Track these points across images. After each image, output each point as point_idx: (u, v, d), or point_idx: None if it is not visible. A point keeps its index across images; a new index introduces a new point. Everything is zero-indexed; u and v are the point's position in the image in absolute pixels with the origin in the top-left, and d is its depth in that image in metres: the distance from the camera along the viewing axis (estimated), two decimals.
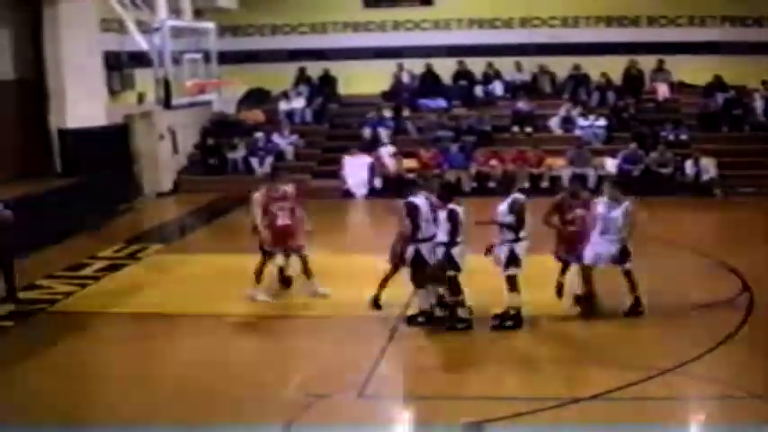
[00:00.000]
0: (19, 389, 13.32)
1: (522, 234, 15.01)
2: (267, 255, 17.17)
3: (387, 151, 29.77)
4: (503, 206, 15.04)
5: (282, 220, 16.99)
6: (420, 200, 15.24)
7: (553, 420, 11.59)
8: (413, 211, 15.07)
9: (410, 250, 15.11)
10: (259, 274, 17.07)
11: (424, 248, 15.08)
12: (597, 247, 15.36)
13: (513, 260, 14.99)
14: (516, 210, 14.96)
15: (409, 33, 34.08)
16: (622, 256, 15.41)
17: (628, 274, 15.44)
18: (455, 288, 15.05)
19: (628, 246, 15.42)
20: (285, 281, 17.89)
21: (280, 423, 11.69)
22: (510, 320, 15.03)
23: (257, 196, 17.02)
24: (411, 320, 15.43)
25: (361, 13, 34.24)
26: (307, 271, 17.31)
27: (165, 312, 16.86)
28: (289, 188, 17.43)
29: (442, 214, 14.88)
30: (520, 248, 15.00)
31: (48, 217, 22.52)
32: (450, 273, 14.95)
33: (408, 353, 14.70)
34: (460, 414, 11.81)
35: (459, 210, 14.98)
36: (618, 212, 15.34)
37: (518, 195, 15.20)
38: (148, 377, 13.69)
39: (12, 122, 25.33)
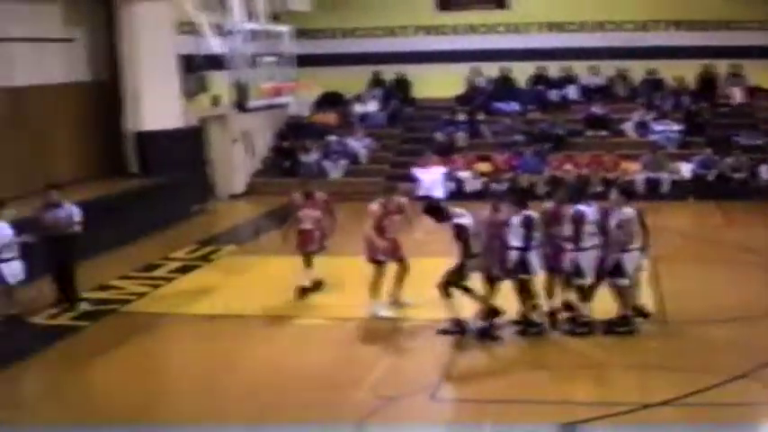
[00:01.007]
0: (91, 388, 13.45)
1: (581, 244, 14.77)
2: (378, 265, 16.56)
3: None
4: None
5: (392, 231, 16.66)
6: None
7: (648, 421, 11.46)
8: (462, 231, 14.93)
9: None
10: (376, 288, 16.46)
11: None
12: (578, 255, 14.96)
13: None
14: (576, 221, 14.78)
15: (484, 37, 33.84)
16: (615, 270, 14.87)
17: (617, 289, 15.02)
18: (526, 292, 14.92)
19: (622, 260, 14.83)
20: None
21: (351, 424, 11.64)
22: (583, 327, 14.85)
23: (375, 208, 16.43)
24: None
25: (436, 16, 34.09)
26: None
27: (237, 314, 16.89)
28: (403, 200, 17.02)
29: (516, 219, 14.72)
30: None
31: (122, 218, 22.71)
32: (524, 277, 14.82)
33: (479, 356, 14.59)
34: (535, 417, 11.68)
35: (535, 215, 14.82)
36: (614, 220, 14.80)
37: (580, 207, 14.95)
38: (220, 378, 13.69)
39: (88, 124, 25.59)
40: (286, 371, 13.92)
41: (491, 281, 14.92)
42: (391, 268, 16.66)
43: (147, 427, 11.91)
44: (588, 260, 14.71)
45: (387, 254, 16.53)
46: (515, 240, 14.72)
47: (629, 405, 11.77)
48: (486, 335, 14.85)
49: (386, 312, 16.29)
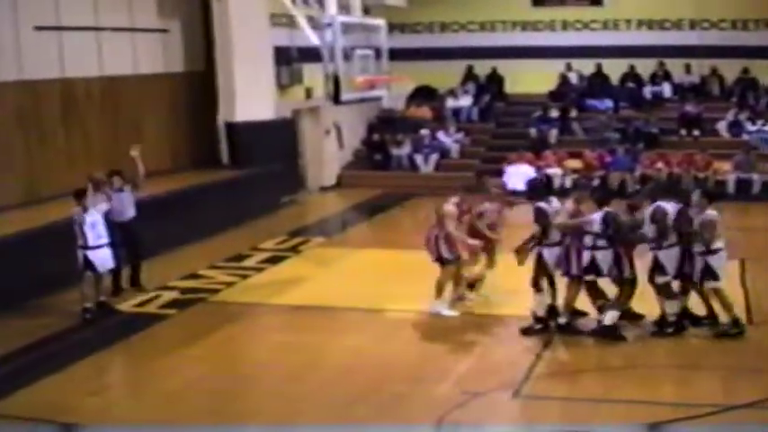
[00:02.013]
0: (177, 376, 13.52)
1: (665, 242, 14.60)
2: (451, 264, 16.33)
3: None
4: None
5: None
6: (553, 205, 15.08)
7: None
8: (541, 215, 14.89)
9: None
10: (442, 289, 16.28)
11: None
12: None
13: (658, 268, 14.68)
14: (658, 219, 14.58)
15: (578, 33, 33.71)
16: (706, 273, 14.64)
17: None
18: (595, 293, 14.87)
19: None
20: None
21: (433, 419, 11.60)
22: (670, 327, 14.67)
23: (452, 209, 16.10)
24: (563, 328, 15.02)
25: (530, 11, 34.00)
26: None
27: (325, 305, 16.94)
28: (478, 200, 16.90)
29: (598, 216, 14.59)
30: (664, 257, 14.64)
31: (213, 208, 22.93)
32: (589, 278, 14.74)
33: (563, 354, 14.52)
34: (620, 417, 11.58)
35: (615, 213, 14.67)
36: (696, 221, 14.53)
37: (662, 204, 14.74)
38: (305, 369, 13.73)
39: (181, 115, 25.89)
40: (371, 363, 13.94)
41: (570, 277, 14.87)
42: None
43: (229, 418, 11.99)
44: (670, 258, 14.53)
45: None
46: (588, 239, 14.60)
47: (714, 407, 11.63)
48: (569, 330, 14.81)
49: (448, 312, 16.15)
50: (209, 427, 11.70)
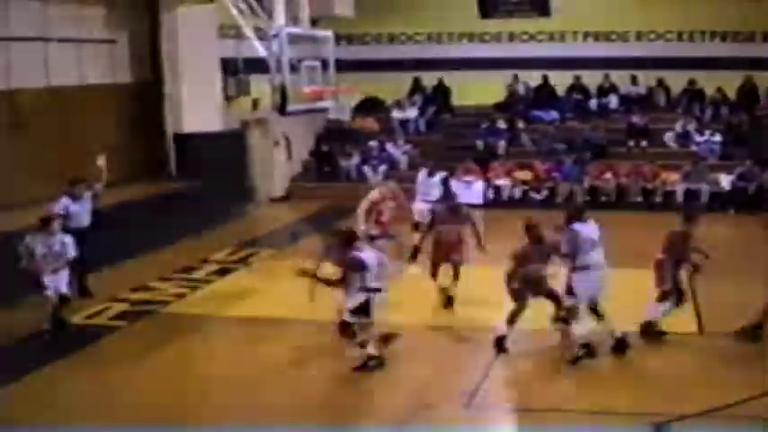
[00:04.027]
0: (128, 388, 13.44)
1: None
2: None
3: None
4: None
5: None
6: None
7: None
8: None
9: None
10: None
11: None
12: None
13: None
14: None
15: (524, 45, 33.90)
16: None
17: None
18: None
19: None
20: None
21: (387, 430, 11.63)
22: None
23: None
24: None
25: (478, 23, 34.05)
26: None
27: (275, 317, 16.90)
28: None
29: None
30: None
31: (161, 219, 22.81)
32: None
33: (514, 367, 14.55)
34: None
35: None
36: None
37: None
38: (257, 381, 13.69)
39: (128, 125, 25.71)
40: (323, 375, 13.97)
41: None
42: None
43: (181, 430, 11.94)
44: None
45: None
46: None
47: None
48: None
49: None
50: None
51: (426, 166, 22.14)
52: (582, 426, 11.73)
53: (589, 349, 14.23)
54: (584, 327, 14.31)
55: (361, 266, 13.65)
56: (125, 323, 16.79)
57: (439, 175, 21.61)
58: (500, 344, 14.72)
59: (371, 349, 13.91)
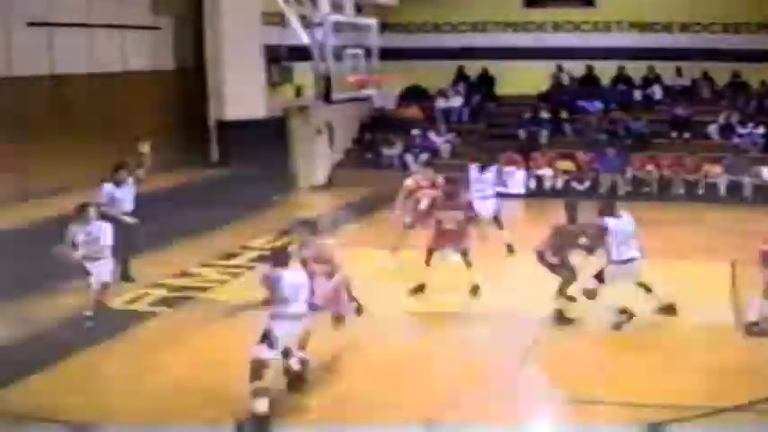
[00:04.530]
0: (167, 374, 13.48)
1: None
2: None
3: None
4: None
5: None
6: None
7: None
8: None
9: None
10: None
11: None
12: None
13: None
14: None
15: (569, 34, 33.72)
16: None
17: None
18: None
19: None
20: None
21: (421, 421, 11.64)
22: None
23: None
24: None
25: (522, 12, 34.01)
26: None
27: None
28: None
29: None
30: None
31: (203, 206, 22.89)
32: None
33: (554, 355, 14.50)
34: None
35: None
36: None
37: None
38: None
39: (171, 112, 25.82)
40: (356, 364, 14.07)
41: None
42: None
43: (220, 421, 11.93)
44: None
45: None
46: None
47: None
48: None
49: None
50: (198, 427, 11.69)
51: (476, 160, 21.88)
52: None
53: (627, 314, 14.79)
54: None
55: (274, 285, 12.09)
56: (165, 308, 16.91)
57: (490, 170, 21.46)
58: (561, 317, 15.14)
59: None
